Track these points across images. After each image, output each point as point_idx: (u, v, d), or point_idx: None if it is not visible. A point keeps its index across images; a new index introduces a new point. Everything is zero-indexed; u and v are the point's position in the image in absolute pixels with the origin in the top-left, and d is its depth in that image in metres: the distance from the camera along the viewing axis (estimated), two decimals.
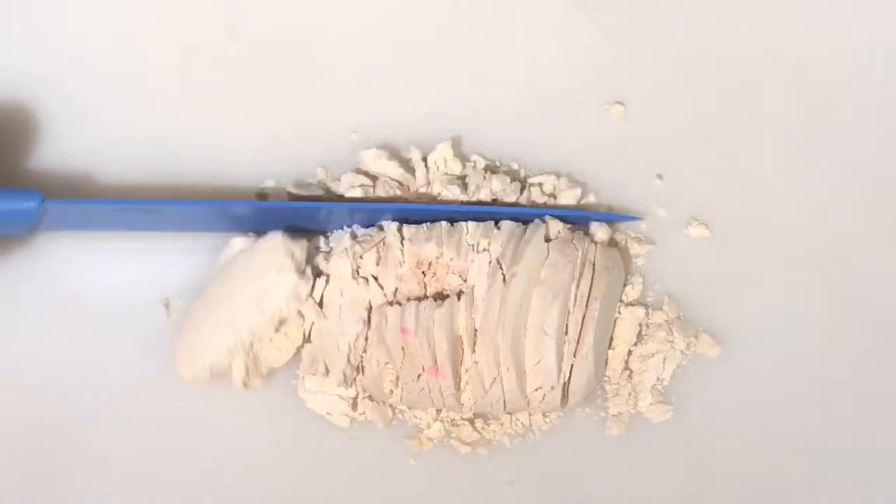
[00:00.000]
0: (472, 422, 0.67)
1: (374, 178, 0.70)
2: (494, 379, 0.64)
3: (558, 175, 0.71)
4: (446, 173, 0.70)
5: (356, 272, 0.66)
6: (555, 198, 0.70)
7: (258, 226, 0.67)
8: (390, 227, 0.66)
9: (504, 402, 0.65)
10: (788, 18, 0.74)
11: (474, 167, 0.71)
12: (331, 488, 0.67)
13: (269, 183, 0.71)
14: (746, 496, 0.67)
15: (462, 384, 0.64)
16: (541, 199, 0.70)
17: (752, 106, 0.73)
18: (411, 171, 0.70)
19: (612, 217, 0.70)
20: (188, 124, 0.72)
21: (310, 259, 0.66)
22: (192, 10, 0.74)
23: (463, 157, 0.71)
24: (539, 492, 0.67)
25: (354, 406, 0.66)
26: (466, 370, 0.64)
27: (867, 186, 0.72)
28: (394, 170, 0.70)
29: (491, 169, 0.71)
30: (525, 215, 0.68)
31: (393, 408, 0.67)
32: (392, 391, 0.65)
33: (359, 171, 0.70)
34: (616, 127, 0.73)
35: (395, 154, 0.70)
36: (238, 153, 0.71)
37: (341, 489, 0.67)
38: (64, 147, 0.70)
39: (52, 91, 0.71)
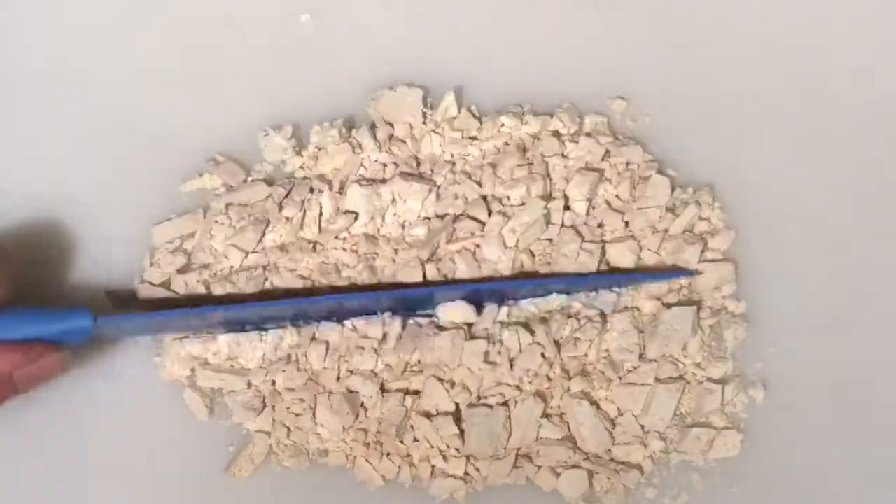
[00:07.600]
0: None
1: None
2: None
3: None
4: (457, 129, 0.70)
5: None
6: (576, 142, 0.70)
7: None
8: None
9: None
10: (791, 14, 0.74)
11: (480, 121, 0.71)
12: None
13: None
14: None
15: None
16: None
17: (755, 100, 0.73)
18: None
19: (668, 276, 0.68)
20: None
21: None
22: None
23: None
24: None
25: None
26: None
27: (869, 181, 0.72)
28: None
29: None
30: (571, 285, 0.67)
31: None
32: None
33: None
34: (618, 122, 0.73)
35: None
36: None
37: None
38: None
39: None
